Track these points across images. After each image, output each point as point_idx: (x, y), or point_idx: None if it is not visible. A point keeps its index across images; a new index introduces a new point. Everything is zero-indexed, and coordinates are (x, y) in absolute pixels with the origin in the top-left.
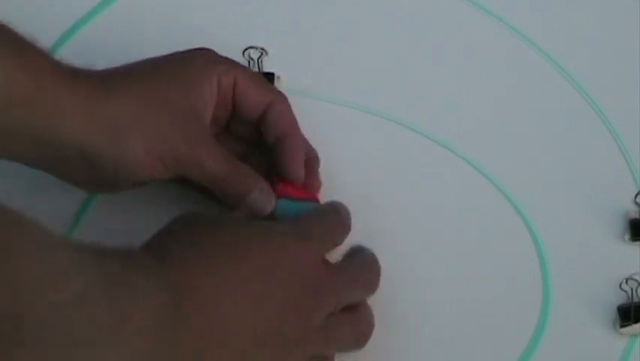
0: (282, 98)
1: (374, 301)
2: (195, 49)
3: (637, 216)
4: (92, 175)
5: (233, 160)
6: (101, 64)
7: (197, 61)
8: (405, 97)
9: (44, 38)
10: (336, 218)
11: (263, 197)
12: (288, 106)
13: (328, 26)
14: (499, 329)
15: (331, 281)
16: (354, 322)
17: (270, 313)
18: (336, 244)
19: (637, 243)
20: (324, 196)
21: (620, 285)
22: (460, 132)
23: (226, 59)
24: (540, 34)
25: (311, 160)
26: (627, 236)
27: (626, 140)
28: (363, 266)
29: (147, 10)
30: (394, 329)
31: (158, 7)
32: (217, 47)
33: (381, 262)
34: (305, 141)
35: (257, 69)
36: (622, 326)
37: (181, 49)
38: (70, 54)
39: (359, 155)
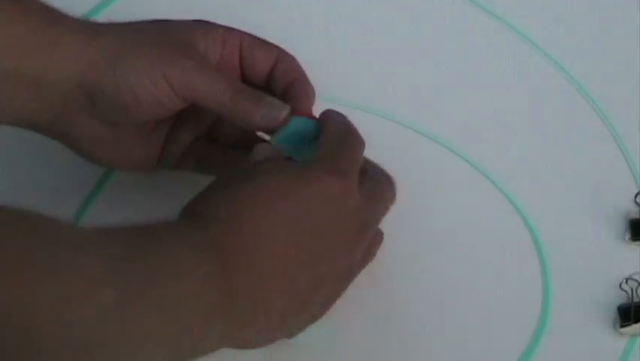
0: (287, 54)
1: (374, 302)
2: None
3: (637, 216)
4: (93, 115)
5: (236, 81)
6: None
7: (200, 21)
8: (405, 97)
9: None
10: (353, 137)
11: (274, 107)
12: (295, 61)
13: (328, 26)
14: (499, 329)
15: (372, 209)
16: (378, 238)
17: (321, 255)
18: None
19: (637, 243)
20: None
21: (620, 285)
22: (461, 132)
23: (229, 26)
24: (540, 35)
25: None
26: (627, 236)
27: (626, 140)
28: (387, 184)
29: (146, 10)
30: (394, 328)
31: (157, 8)
32: None
33: (381, 263)
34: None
35: None
36: (622, 326)
37: None
38: None
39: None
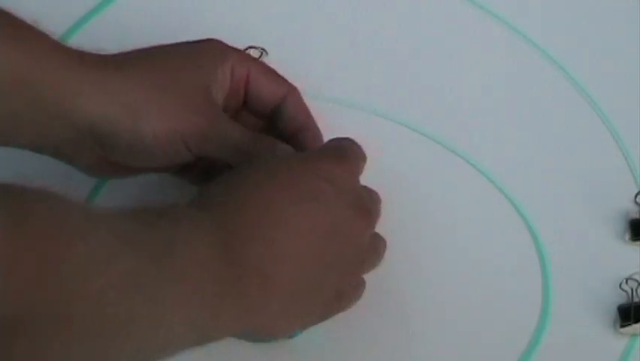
0: (294, 90)
1: (374, 302)
2: (208, 39)
3: (637, 216)
4: (101, 157)
5: (249, 130)
6: None
7: (212, 47)
8: (406, 97)
9: None
10: (354, 142)
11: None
12: (302, 98)
13: (329, 26)
14: (499, 328)
15: (370, 196)
16: (382, 243)
17: (325, 231)
18: (362, 166)
19: (637, 243)
20: None
21: (620, 285)
22: (461, 132)
23: (240, 51)
24: (540, 35)
25: None
26: (627, 236)
27: (626, 140)
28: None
29: (146, 10)
30: (394, 329)
31: (158, 8)
32: None
33: (382, 263)
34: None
35: None
36: (622, 326)
37: None
38: None
39: None
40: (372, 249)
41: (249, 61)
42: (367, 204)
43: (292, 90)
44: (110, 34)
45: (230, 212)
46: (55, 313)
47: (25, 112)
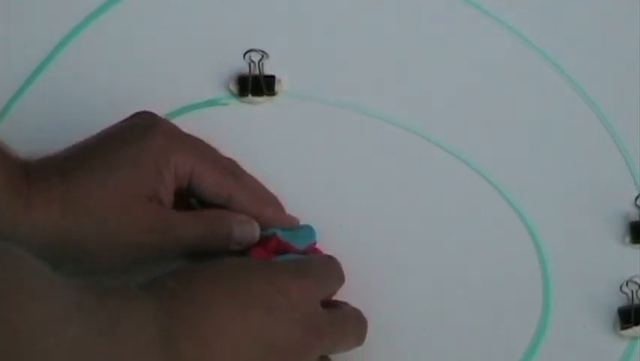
0: (241, 186)
1: (374, 303)
2: (147, 126)
3: (637, 218)
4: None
5: (201, 216)
6: (100, 67)
7: (153, 146)
8: (406, 100)
9: (44, 41)
10: (333, 264)
11: (245, 228)
12: (249, 193)
13: (329, 29)
14: (499, 330)
15: (329, 321)
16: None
17: (266, 347)
18: (331, 289)
19: (637, 245)
20: (325, 201)
21: (621, 287)
22: (460, 134)
23: (182, 141)
24: (540, 35)
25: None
26: (628, 238)
27: (626, 141)
28: (354, 316)
29: (147, 12)
30: (394, 331)
31: (159, 10)
32: (218, 49)
33: (382, 264)
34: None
35: (258, 72)
36: (622, 329)
37: (182, 51)
38: (70, 57)
39: (360, 157)
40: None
41: (192, 160)
42: (321, 325)
43: (236, 189)
44: (114, 34)
45: (176, 305)
46: None
47: None
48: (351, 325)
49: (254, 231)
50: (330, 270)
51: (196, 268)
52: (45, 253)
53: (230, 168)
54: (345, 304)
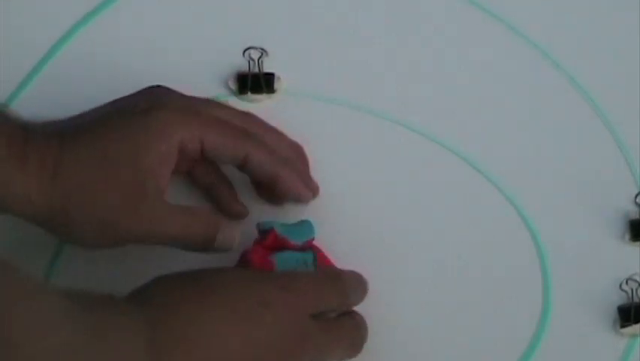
0: (256, 144)
1: (374, 303)
2: (155, 98)
3: (637, 216)
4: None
5: (189, 212)
6: (99, 64)
7: (156, 128)
8: (405, 98)
9: (43, 39)
10: (331, 282)
11: (228, 234)
12: (266, 150)
13: (329, 27)
14: (499, 329)
15: (317, 332)
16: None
17: (251, 359)
18: (329, 306)
19: (637, 243)
20: (324, 199)
21: (621, 285)
22: (461, 133)
23: (188, 114)
24: (540, 35)
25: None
26: (627, 236)
27: (626, 140)
28: (350, 327)
29: (146, 10)
30: (394, 330)
31: (158, 7)
32: (218, 47)
33: (381, 263)
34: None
35: (257, 69)
36: (622, 327)
37: (181, 49)
38: (69, 55)
39: (359, 156)
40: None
41: (200, 130)
42: (307, 336)
43: (253, 147)
44: (113, 33)
45: (162, 316)
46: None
47: None
48: (344, 334)
49: (233, 240)
50: (325, 286)
51: (182, 278)
52: (37, 221)
53: (245, 127)
54: (349, 313)
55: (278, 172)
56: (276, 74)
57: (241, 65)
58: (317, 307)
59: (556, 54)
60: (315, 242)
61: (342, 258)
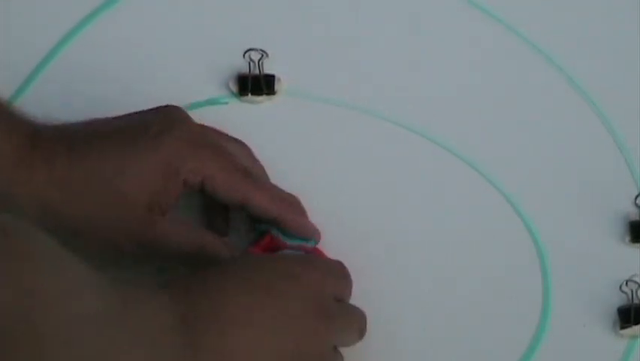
0: (257, 188)
1: (374, 302)
2: (168, 122)
3: (637, 218)
4: None
5: (194, 233)
6: (100, 66)
7: (164, 155)
8: (405, 99)
9: (44, 40)
10: (339, 265)
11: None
12: (267, 194)
13: (329, 28)
14: (499, 329)
15: (338, 311)
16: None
17: (279, 334)
18: (338, 287)
19: (637, 245)
20: (324, 199)
21: (621, 287)
22: (460, 133)
23: (196, 146)
24: (540, 35)
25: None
26: (627, 238)
27: (626, 141)
28: (359, 315)
29: (148, 11)
30: (394, 329)
31: (159, 9)
32: (218, 49)
33: (382, 263)
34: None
35: (257, 71)
36: (622, 328)
37: (182, 50)
38: (70, 56)
39: (359, 156)
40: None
41: (205, 168)
42: (331, 313)
43: (253, 191)
44: (114, 34)
45: (190, 298)
46: (25, 332)
47: None
48: (356, 319)
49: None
50: (336, 269)
51: (208, 269)
52: (41, 225)
53: (247, 171)
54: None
55: (283, 213)
56: (277, 75)
57: (241, 66)
58: (333, 285)
59: (556, 54)
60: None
61: (341, 258)
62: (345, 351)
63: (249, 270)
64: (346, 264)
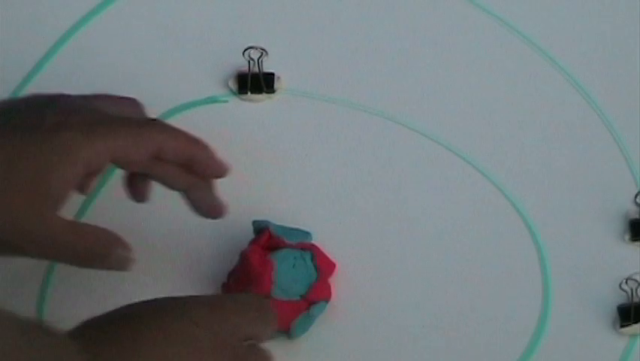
0: (169, 136)
1: (374, 302)
2: (63, 114)
3: (637, 216)
4: None
5: (83, 230)
6: (99, 64)
7: (62, 147)
8: (405, 97)
9: (43, 39)
10: (260, 304)
11: (122, 254)
12: (181, 137)
13: (328, 26)
14: (499, 329)
15: (253, 356)
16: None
17: None
18: (254, 329)
19: (637, 243)
20: (324, 198)
21: (620, 285)
22: (461, 132)
23: (96, 130)
24: (540, 34)
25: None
26: (627, 236)
27: (626, 140)
28: (268, 357)
29: (147, 10)
30: (394, 329)
31: (158, 8)
32: (218, 47)
33: (381, 262)
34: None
35: (257, 69)
36: (622, 326)
37: (181, 48)
38: (69, 55)
39: (359, 155)
40: None
41: (106, 148)
42: (243, 356)
43: (168, 141)
44: (113, 31)
45: (100, 348)
46: None
47: None
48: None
49: (129, 261)
50: (253, 305)
51: (116, 313)
52: None
53: (150, 122)
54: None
55: (193, 152)
56: (276, 73)
57: (241, 64)
58: (248, 327)
59: (556, 54)
60: (313, 241)
61: (341, 258)
62: (345, 351)
63: (162, 317)
64: (346, 263)
